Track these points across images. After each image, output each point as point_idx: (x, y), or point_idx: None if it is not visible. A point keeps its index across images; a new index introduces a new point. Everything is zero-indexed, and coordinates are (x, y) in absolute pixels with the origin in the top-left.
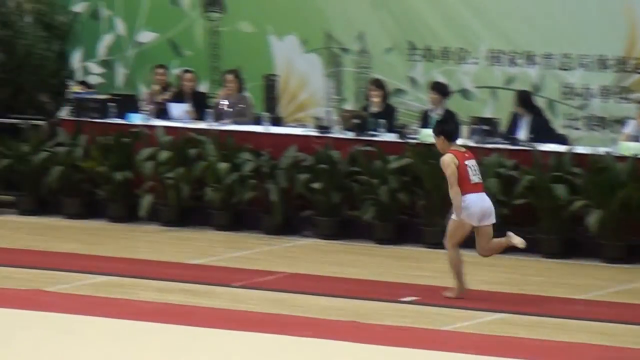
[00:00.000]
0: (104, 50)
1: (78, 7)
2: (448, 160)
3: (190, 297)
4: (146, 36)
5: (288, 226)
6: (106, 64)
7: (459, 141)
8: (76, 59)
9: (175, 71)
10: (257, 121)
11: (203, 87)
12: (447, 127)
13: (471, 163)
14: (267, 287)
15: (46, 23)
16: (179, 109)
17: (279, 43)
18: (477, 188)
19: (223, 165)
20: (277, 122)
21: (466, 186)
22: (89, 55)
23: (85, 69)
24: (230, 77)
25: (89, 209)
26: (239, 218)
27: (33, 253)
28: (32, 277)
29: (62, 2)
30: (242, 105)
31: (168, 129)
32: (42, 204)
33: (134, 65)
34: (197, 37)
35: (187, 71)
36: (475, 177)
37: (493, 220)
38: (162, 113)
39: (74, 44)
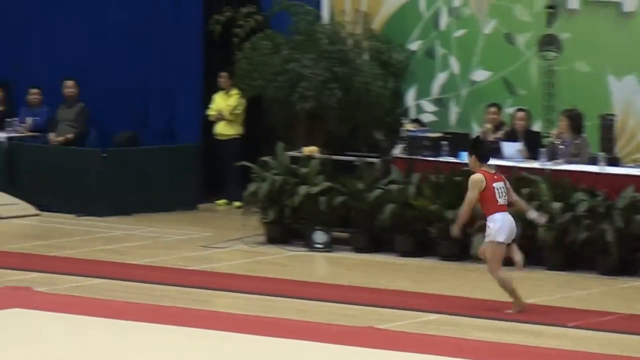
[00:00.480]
0: (438, 89)
1: (414, 46)
2: (475, 181)
3: (525, 337)
4: (480, 75)
5: (624, 267)
6: (440, 102)
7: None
8: (410, 97)
9: (509, 110)
10: (593, 161)
11: (536, 126)
12: (480, 148)
13: (499, 185)
14: (602, 328)
15: (383, 61)
16: (511, 148)
17: (617, 83)
18: (503, 208)
19: (556, 205)
20: (613, 162)
21: (493, 207)
22: (423, 93)
23: (419, 107)
24: (562, 117)
25: (421, 247)
26: (572, 258)
27: (365, 290)
28: (364, 314)
29: (399, 40)
30: (577, 145)
31: (500, 167)
32: (375, 241)
33: (467, 103)
34: (531, 76)
35: (520, 110)
36: (501, 199)
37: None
38: (495, 152)
39: (409, 82)
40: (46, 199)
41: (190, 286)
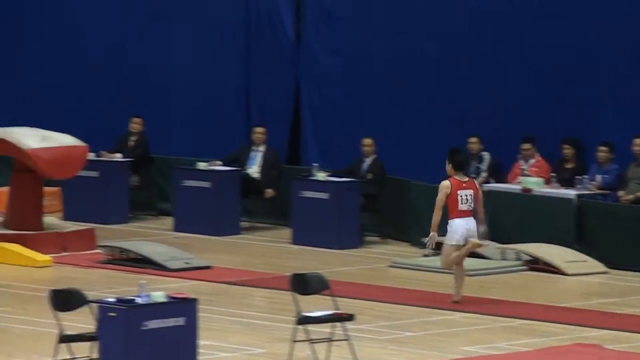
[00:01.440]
0: None
1: None
2: (442, 187)
3: None
4: None
5: None
6: None
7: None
8: None
9: None
10: None
11: None
12: (457, 157)
13: (465, 193)
14: None
15: None
16: None
17: None
18: (464, 214)
19: None
20: None
21: (454, 212)
22: None
23: None
24: None
25: None
26: None
27: None
28: None
29: None
30: None
31: None
32: None
33: None
34: None
35: None
36: (463, 206)
37: (476, 238)
38: None
39: None
40: (615, 256)
41: None
